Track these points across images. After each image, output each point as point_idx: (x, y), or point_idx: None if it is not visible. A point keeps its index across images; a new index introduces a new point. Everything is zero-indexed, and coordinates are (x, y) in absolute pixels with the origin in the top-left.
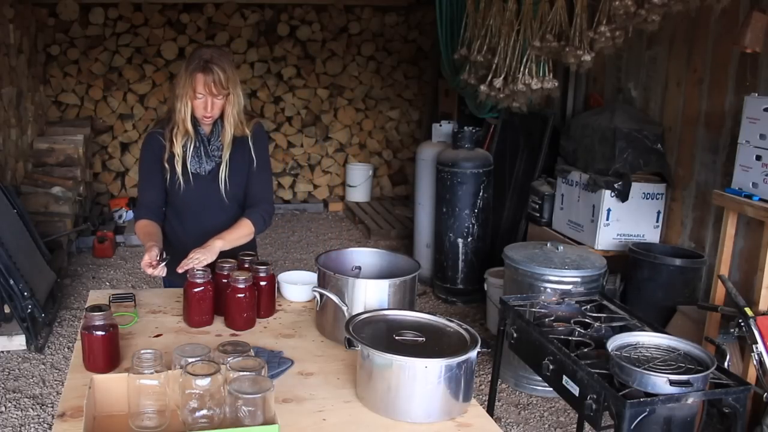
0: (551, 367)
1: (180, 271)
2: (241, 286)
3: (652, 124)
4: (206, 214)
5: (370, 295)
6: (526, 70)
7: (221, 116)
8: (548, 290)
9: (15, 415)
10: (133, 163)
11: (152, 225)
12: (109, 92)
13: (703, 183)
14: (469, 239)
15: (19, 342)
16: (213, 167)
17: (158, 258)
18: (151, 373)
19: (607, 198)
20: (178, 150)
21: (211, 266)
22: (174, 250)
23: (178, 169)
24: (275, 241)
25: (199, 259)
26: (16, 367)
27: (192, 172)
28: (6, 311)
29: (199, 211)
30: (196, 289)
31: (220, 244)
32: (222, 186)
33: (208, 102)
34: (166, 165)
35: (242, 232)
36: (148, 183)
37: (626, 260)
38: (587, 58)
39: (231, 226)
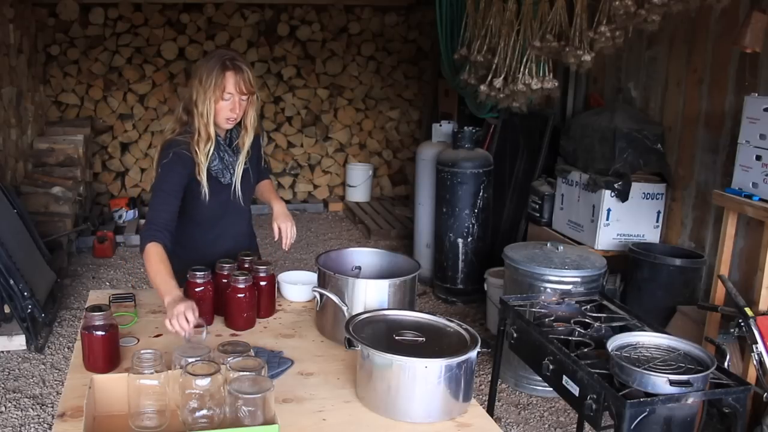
0: (551, 367)
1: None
2: (241, 286)
3: (652, 124)
4: (226, 220)
5: (370, 295)
6: (526, 70)
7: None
8: (548, 290)
9: (15, 415)
10: (133, 163)
11: (165, 256)
12: (109, 92)
13: (703, 183)
14: (469, 239)
15: (19, 342)
16: (233, 173)
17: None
18: (151, 373)
19: (607, 198)
20: (202, 159)
21: (211, 266)
22: (188, 258)
23: (203, 179)
24: (275, 241)
25: (293, 224)
26: (16, 367)
27: (220, 181)
28: (6, 311)
29: (219, 218)
30: (196, 289)
31: (283, 206)
32: (240, 190)
33: (236, 102)
34: (198, 178)
35: (273, 189)
36: (167, 203)
37: (626, 260)
38: (587, 58)
39: (266, 191)
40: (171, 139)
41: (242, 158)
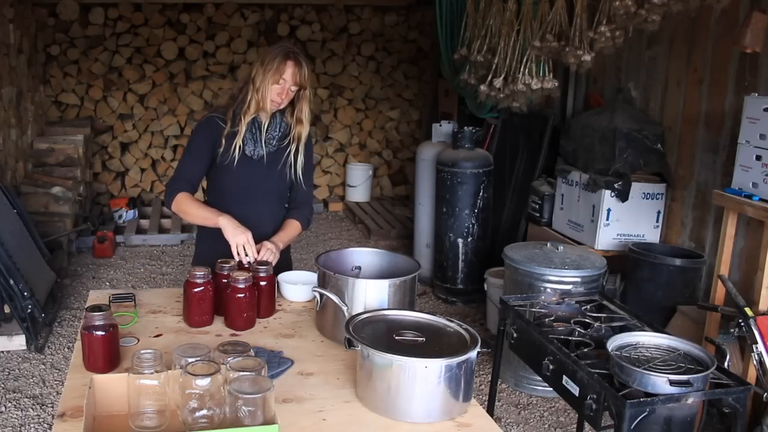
0: (551, 367)
1: (260, 259)
2: (241, 286)
3: (652, 124)
4: (250, 199)
5: (370, 295)
6: (526, 70)
7: (293, 112)
8: (548, 290)
9: (15, 415)
10: (133, 163)
11: (193, 197)
12: (109, 92)
13: (703, 183)
14: (469, 239)
15: (19, 342)
16: (263, 155)
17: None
18: (151, 373)
19: (607, 198)
20: (243, 128)
21: (211, 266)
22: (212, 232)
23: (236, 146)
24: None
25: (273, 253)
26: (16, 367)
27: (247, 154)
28: (6, 311)
29: (243, 194)
30: (196, 289)
31: (281, 245)
32: (266, 165)
33: (286, 90)
34: (224, 141)
35: (294, 233)
36: (195, 159)
37: (626, 260)
38: (587, 58)
39: (282, 228)
40: (212, 109)
41: (279, 143)
